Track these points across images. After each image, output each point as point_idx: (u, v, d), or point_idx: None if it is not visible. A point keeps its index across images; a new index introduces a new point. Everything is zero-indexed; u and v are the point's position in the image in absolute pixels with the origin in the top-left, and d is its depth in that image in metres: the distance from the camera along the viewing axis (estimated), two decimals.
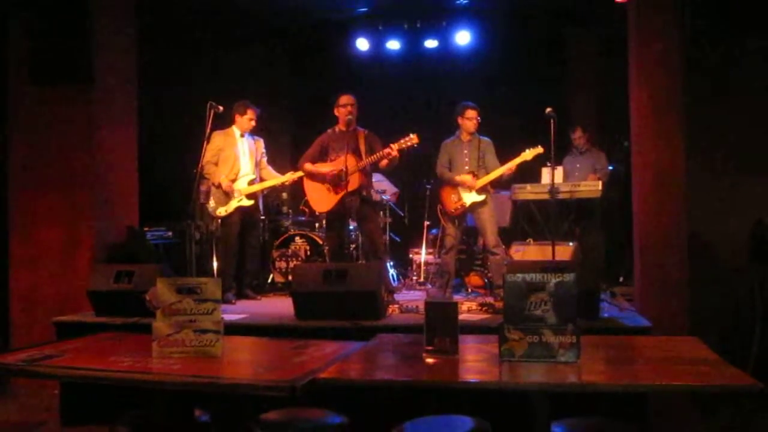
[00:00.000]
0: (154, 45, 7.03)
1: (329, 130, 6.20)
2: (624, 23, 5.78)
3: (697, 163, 5.12)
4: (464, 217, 6.33)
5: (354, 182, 5.90)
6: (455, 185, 6.25)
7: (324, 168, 6.07)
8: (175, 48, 7.79)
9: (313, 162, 6.15)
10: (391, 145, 5.83)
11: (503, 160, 6.27)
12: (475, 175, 6.18)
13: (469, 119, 6.26)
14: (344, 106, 6.06)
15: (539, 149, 6.13)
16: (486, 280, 6.85)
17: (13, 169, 5.99)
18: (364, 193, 6.05)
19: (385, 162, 5.89)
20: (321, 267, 5.08)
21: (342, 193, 5.94)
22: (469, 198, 6.17)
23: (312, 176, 6.15)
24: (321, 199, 6.12)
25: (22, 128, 5.98)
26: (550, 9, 8.47)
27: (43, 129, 5.92)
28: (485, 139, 6.35)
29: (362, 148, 6.00)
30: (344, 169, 5.85)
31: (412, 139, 5.87)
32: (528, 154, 6.18)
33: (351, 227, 6.80)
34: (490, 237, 6.13)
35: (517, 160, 6.18)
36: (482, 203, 6.17)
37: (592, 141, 7.78)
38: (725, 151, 5.10)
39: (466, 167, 6.26)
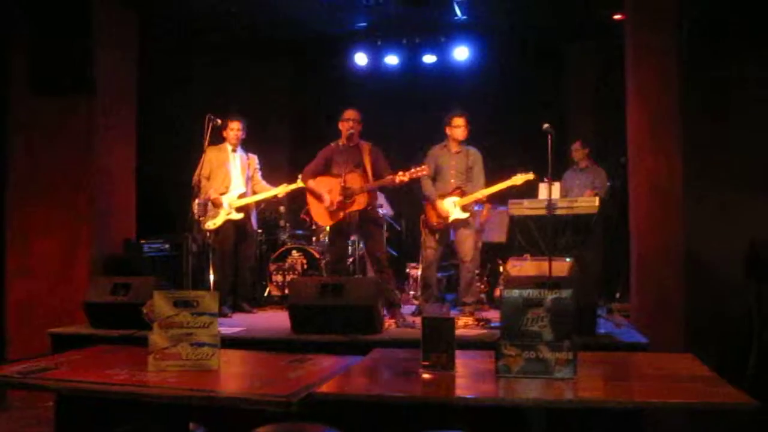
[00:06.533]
0: (154, 58, 7.05)
1: (332, 144, 6.09)
2: (622, 40, 5.81)
3: (694, 180, 5.12)
4: (447, 233, 6.30)
5: (361, 201, 5.84)
6: (435, 198, 6.21)
7: (324, 192, 5.92)
8: (174, 61, 7.82)
9: (317, 175, 6.03)
10: (401, 172, 5.76)
11: (498, 175, 6.26)
12: (462, 191, 6.17)
13: (457, 127, 6.23)
14: (347, 121, 5.98)
15: (530, 175, 6.12)
16: (483, 295, 6.83)
17: (12, 179, 5.99)
18: (368, 209, 5.97)
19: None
20: (318, 281, 5.08)
21: (347, 210, 5.87)
22: (454, 214, 6.15)
23: (313, 194, 6.06)
24: (325, 213, 5.99)
25: (22, 138, 6.00)
26: (549, 25, 8.52)
27: (43, 139, 5.94)
28: (473, 150, 6.33)
29: (366, 162, 5.90)
30: (342, 186, 5.81)
31: (424, 169, 5.88)
32: (518, 179, 6.16)
33: (349, 241, 6.78)
34: (468, 252, 6.15)
35: (506, 184, 6.17)
36: (464, 221, 6.16)
37: (593, 158, 7.78)
38: (722, 168, 5.10)
39: (452, 180, 6.25)
